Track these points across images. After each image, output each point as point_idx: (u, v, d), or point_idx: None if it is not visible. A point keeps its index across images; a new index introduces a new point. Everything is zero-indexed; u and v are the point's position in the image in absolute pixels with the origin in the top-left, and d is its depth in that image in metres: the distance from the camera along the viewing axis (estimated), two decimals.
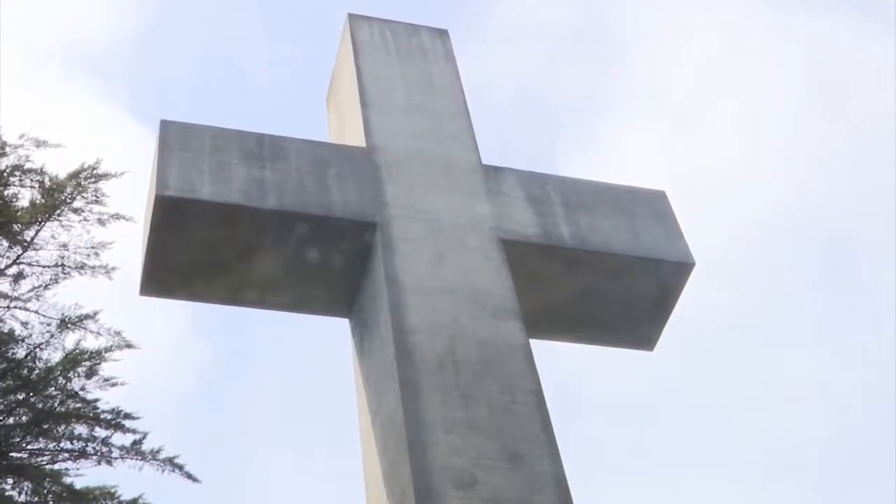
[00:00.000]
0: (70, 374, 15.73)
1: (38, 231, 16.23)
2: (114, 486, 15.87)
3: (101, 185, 16.54)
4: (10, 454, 15.24)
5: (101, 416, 15.79)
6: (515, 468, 4.59)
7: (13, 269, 16.02)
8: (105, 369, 15.99)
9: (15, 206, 16.14)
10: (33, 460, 15.54)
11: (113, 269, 16.39)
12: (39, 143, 16.25)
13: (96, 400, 15.92)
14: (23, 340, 15.81)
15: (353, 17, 6.54)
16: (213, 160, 5.43)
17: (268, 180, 5.42)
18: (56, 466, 15.60)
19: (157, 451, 15.80)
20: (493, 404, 4.78)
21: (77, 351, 15.84)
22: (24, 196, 16.33)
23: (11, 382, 15.45)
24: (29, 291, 16.03)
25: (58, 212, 16.29)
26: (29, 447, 15.61)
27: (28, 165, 16.27)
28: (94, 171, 16.56)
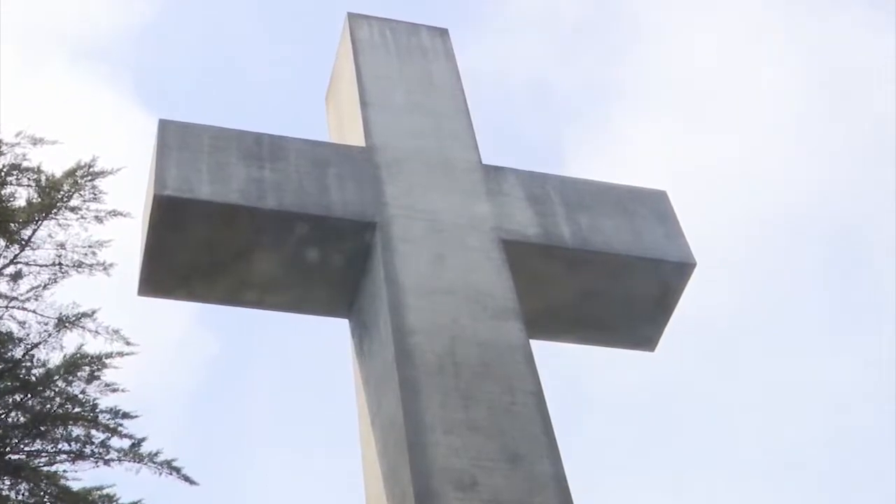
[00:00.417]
0: (70, 378, 15.73)
1: (35, 230, 16.22)
2: (111, 486, 15.87)
3: (98, 182, 16.54)
4: (8, 455, 15.22)
5: (100, 419, 15.77)
6: (515, 469, 4.57)
7: (10, 269, 16.00)
8: (106, 374, 16.00)
9: (12, 205, 16.12)
10: (31, 461, 15.52)
11: (111, 265, 16.38)
12: (36, 141, 16.24)
13: (96, 402, 15.92)
14: (20, 341, 15.79)
15: (352, 16, 6.52)
16: (212, 160, 5.41)
17: (267, 180, 5.41)
18: (54, 468, 15.60)
19: (156, 454, 15.80)
20: (494, 405, 4.77)
21: (78, 355, 15.83)
22: (21, 195, 16.32)
23: (9, 383, 15.43)
24: (28, 291, 16.02)
25: (55, 210, 16.27)
26: (27, 448, 15.59)
27: (25, 164, 16.26)
28: (91, 169, 16.56)
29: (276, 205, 5.32)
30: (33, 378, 15.54)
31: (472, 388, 4.80)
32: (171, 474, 15.78)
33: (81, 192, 16.43)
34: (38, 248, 16.22)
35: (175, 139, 5.46)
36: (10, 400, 15.45)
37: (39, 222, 16.21)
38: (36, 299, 16.02)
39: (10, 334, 15.69)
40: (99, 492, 15.65)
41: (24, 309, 15.96)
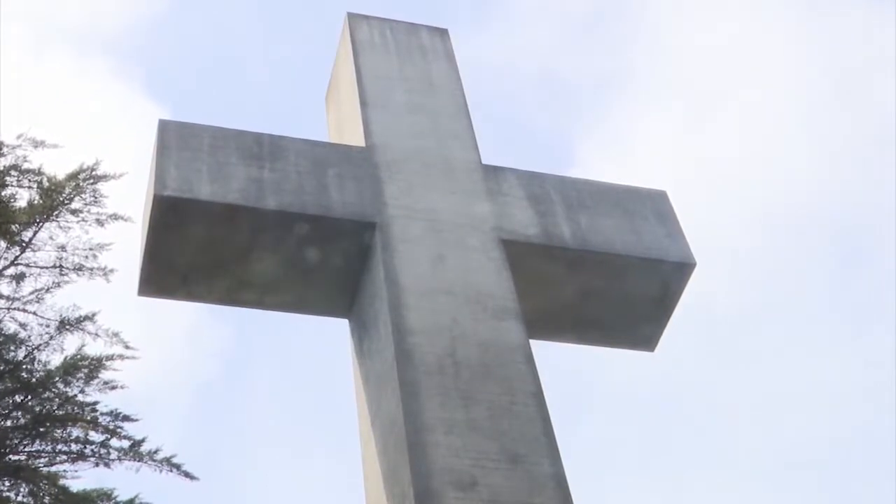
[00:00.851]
0: (69, 378, 15.73)
1: (35, 232, 16.22)
2: (111, 489, 15.87)
3: (100, 185, 16.54)
4: (8, 456, 15.21)
5: (100, 420, 15.77)
6: (515, 469, 4.57)
7: (11, 270, 16.00)
8: (105, 374, 15.99)
9: (13, 207, 16.12)
10: (31, 462, 15.52)
11: (111, 271, 16.39)
12: (37, 144, 16.24)
13: (96, 404, 15.92)
14: (21, 342, 15.79)
15: (352, 17, 6.52)
16: (212, 160, 5.40)
17: (267, 180, 5.40)
18: (54, 468, 15.60)
19: (155, 452, 15.80)
20: (493, 405, 4.76)
21: (77, 356, 15.83)
22: (22, 196, 16.32)
23: (10, 384, 15.43)
24: (29, 293, 16.03)
25: (56, 213, 16.27)
26: (27, 449, 15.59)
27: (26, 166, 16.26)
28: (93, 172, 16.56)
29: (276, 205, 5.31)
30: (34, 379, 15.55)
31: (472, 388, 4.79)
32: (170, 471, 15.79)
33: (83, 195, 16.44)
34: (39, 250, 16.23)
35: (175, 139, 5.46)
36: (11, 401, 15.46)
37: (40, 224, 16.21)
38: (37, 301, 16.04)
39: (10, 336, 15.70)
40: (98, 492, 15.65)
41: (25, 311, 15.97)
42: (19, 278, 16.00)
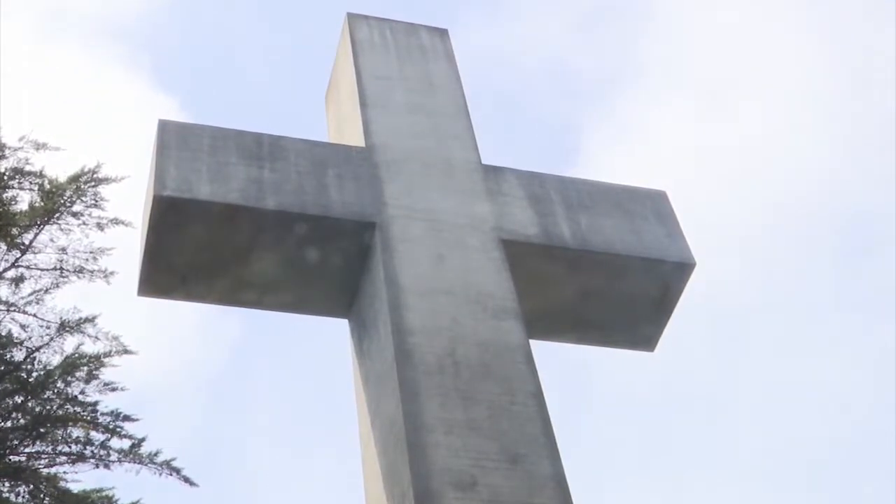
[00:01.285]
0: (69, 378, 15.73)
1: (36, 234, 16.22)
2: (111, 489, 15.87)
3: (101, 189, 16.56)
4: (9, 457, 15.21)
5: (100, 420, 15.78)
6: (515, 469, 4.56)
7: (11, 273, 16.00)
8: (105, 373, 16.00)
9: (13, 209, 16.13)
10: (31, 463, 15.52)
11: (111, 273, 16.40)
12: (39, 146, 16.25)
13: (96, 404, 15.92)
14: (21, 344, 15.80)
15: (351, 17, 6.52)
16: (212, 160, 5.40)
17: (266, 180, 5.40)
18: (54, 470, 15.60)
19: (155, 454, 15.80)
20: (493, 405, 4.76)
21: (76, 354, 15.84)
22: (23, 199, 16.34)
23: (10, 386, 15.43)
24: (29, 295, 16.04)
25: (57, 215, 16.28)
26: (27, 450, 15.59)
27: (27, 168, 16.28)
28: (95, 175, 16.57)
29: (276, 205, 5.31)
30: (33, 380, 15.55)
31: (472, 388, 4.79)
32: (170, 475, 15.79)
33: (84, 198, 16.45)
34: (40, 252, 16.24)
35: (174, 139, 5.45)
36: (10, 402, 15.46)
37: (41, 227, 16.22)
38: (37, 303, 16.04)
39: (10, 337, 15.70)
40: (98, 494, 15.66)
41: (25, 313, 15.98)
42: (18, 281, 16.01)
